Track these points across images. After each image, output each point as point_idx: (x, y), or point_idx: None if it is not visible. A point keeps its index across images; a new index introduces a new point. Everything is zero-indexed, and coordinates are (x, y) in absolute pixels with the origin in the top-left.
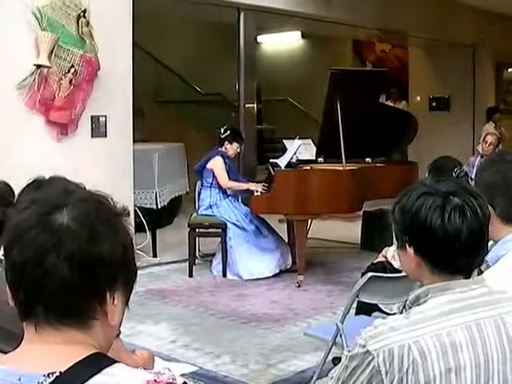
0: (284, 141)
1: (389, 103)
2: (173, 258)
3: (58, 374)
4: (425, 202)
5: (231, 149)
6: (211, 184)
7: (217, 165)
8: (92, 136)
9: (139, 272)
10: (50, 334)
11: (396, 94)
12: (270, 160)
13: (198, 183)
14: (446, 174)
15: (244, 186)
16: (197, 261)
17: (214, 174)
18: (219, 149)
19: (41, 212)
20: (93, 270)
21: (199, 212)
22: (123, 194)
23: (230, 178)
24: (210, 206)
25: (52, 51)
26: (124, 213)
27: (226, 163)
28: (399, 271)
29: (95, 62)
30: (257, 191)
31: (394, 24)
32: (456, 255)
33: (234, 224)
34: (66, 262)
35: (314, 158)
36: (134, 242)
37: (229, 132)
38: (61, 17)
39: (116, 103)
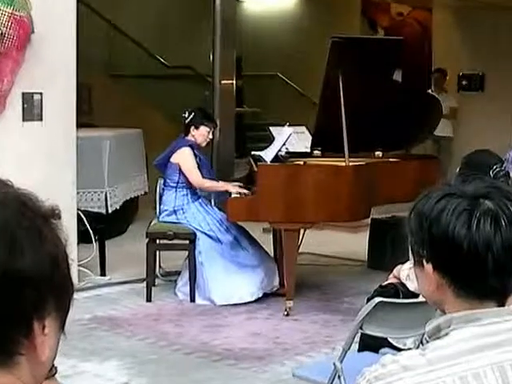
0: (271, 128)
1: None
2: (126, 276)
3: None
4: (447, 205)
5: (199, 135)
6: (177, 183)
7: (185, 158)
8: (23, 119)
9: (83, 295)
10: None
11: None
12: (253, 152)
13: (160, 181)
14: (481, 172)
15: (222, 186)
16: (157, 281)
17: (180, 170)
18: (186, 137)
19: None
20: (14, 292)
21: (161, 218)
22: (63, 195)
23: (203, 176)
24: (175, 212)
25: None
26: (53, 214)
27: (196, 156)
28: (416, 295)
29: (28, 24)
30: (237, 192)
31: None
32: (486, 274)
33: (205, 234)
34: None
35: (308, 150)
36: (68, 251)
37: (194, 114)
38: None
39: (55, 77)
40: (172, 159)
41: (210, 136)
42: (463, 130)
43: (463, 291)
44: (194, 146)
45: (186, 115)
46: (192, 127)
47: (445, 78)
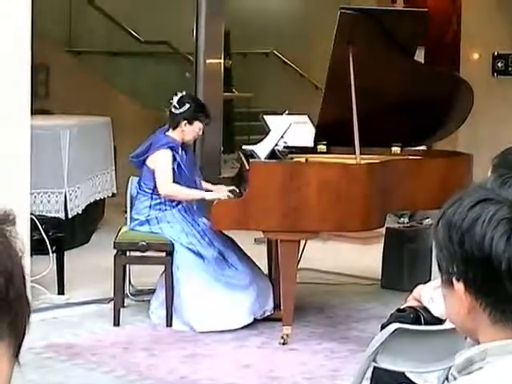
0: (266, 117)
1: None
2: (89, 295)
3: None
4: (482, 213)
5: (191, 132)
6: (153, 190)
7: (160, 163)
8: None
9: (37, 317)
10: None
11: None
12: (244, 147)
13: (133, 180)
14: None
15: (196, 194)
16: (127, 301)
17: None
18: (169, 133)
19: None
20: None
21: (131, 227)
22: (14, 197)
23: (177, 181)
24: (148, 222)
25: None
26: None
27: (175, 160)
28: (441, 322)
29: None
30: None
31: None
32: None
33: (185, 247)
34: None
35: (311, 144)
36: (24, 264)
37: (188, 106)
38: None
39: (5, 55)
40: (148, 162)
41: (200, 133)
42: (499, 120)
43: (501, 316)
44: (175, 148)
45: (177, 103)
46: (184, 121)
47: None
